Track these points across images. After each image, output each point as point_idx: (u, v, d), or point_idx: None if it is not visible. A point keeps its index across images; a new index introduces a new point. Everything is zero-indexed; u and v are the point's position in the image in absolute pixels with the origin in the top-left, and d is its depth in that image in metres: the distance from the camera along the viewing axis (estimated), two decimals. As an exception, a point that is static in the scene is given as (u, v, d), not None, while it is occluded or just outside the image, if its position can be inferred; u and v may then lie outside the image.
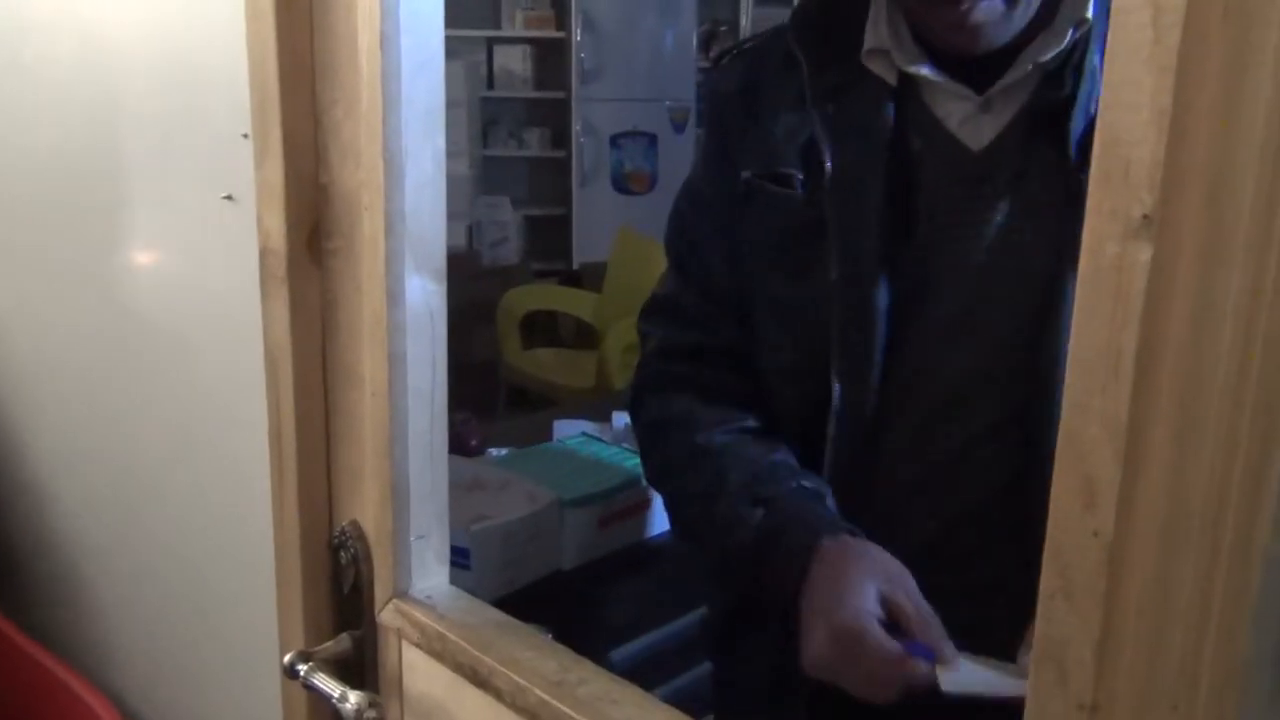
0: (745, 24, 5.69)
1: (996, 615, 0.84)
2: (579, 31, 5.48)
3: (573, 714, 0.71)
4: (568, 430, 2.06)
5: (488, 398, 4.18)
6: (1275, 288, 0.40)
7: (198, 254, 1.04)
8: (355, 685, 0.86)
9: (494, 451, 2.00)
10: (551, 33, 5.60)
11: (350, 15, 0.79)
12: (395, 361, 0.81)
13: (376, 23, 0.76)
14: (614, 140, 5.63)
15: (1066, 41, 0.87)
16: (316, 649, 0.89)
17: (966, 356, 0.92)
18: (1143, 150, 0.42)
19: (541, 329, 4.50)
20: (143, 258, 1.11)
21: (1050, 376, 0.85)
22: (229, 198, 0.96)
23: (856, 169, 0.91)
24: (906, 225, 0.91)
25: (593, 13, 5.48)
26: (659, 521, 1.76)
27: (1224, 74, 0.40)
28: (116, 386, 1.20)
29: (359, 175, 0.81)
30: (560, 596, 1.61)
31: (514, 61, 5.69)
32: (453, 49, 5.24)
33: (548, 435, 2.09)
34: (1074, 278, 0.88)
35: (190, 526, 1.13)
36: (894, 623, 0.84)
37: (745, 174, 0.97)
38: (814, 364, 0.93)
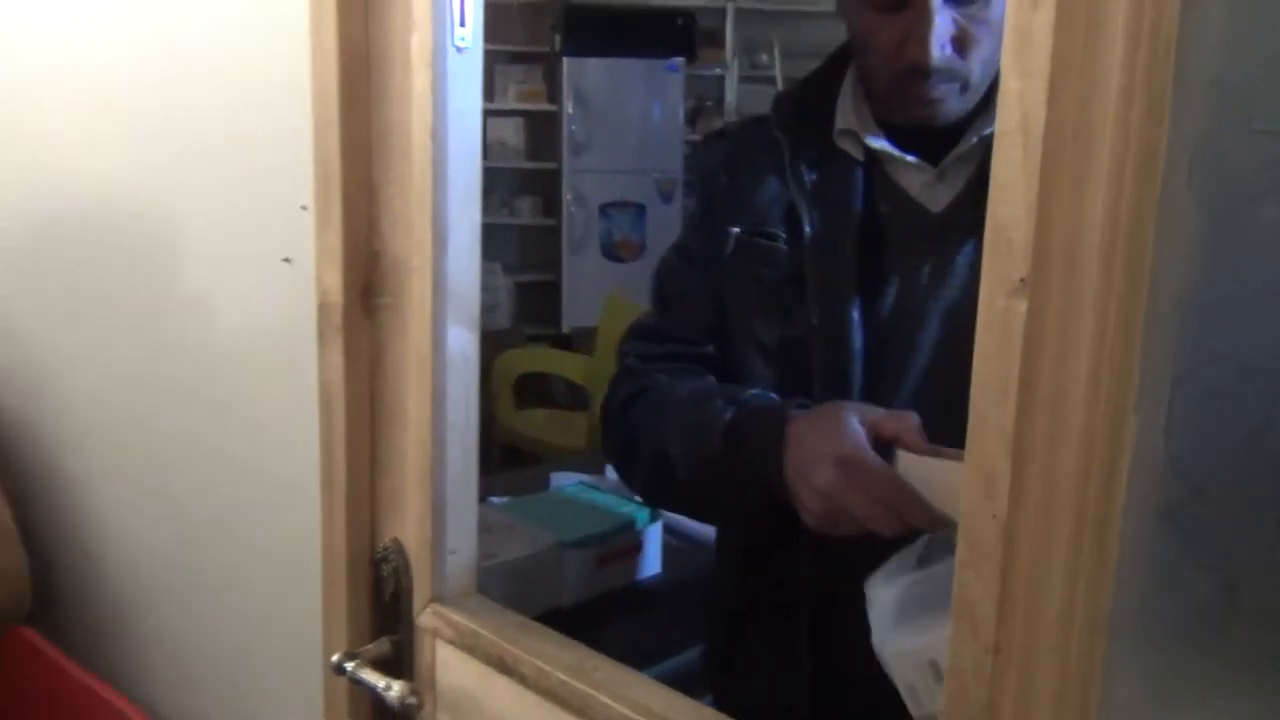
0: (730, 99, 5.88)
1: None
2: (570, 105, 5.70)
3: (590, 691, 0.85)
4: (564, 480, 2.19)
5: (482, 455, 4.26)
6: (1114, 328, 0.56)
7: (255, 308, 1.19)
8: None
9: (495, 500, 2.13)
10: (543, 106, 5.80)
11: (404, 110, 0.95)
12: (437, 398, 0.96)
13: (428, 117, 0.92)
14: (603, 209, 5.83)
15: None
16: (361, 649, 1.02)
17: (939, 389, 1.01)
18: (1019, 233, 0.57)
19: (534, 390, 4.63)
20: (202, 308, 1.25)
21: None
22: (288, 260, 1.11)
23: (832, 231, 1.07)
24: (878, 279, 1.07)
25: (583, 87, 5.70)
26: (650, 563, 1.90)
27: (1074, 176, 0.56)
28: (174, 427, 1.34)
29: (409, 242, 0.97)
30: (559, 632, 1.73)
31: (507, 133, 5.88)
32: (449, 121, 5.44)
33: (543, 488, 2.22)
34: None
35: (241, 555, 1.27)
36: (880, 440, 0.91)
37: (735, 230, 1.12)
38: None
